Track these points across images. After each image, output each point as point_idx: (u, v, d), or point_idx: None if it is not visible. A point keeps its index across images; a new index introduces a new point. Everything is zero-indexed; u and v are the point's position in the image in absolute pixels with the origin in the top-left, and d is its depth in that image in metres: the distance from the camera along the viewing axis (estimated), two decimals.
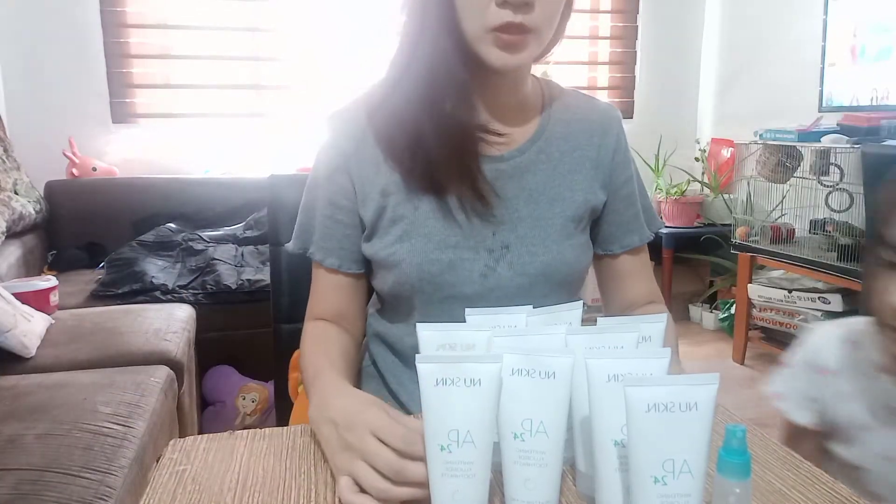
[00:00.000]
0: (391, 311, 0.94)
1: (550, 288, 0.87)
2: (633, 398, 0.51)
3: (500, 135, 0.86)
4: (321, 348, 0.85)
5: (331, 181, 0.88)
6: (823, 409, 0.89)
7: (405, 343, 0.92)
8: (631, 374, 0.54)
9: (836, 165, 2.54)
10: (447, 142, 0.81)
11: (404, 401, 0.91)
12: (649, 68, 3.61)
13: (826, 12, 2.69)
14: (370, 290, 0.96)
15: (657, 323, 0.67)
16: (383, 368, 0.95)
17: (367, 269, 0.92)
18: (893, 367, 0.80)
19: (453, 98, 0.81)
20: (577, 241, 0.90)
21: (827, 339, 0.90)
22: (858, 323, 0.87)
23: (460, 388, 0.55)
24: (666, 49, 3.62)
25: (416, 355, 0.56)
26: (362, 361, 1.00)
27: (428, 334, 0.65)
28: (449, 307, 0.84)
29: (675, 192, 3.36)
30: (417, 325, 0.65)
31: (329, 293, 0.92)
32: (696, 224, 3.38)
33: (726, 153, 3.39)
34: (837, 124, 2.54)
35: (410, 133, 0.82)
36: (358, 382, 0.92)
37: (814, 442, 0.91)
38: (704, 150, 3.48)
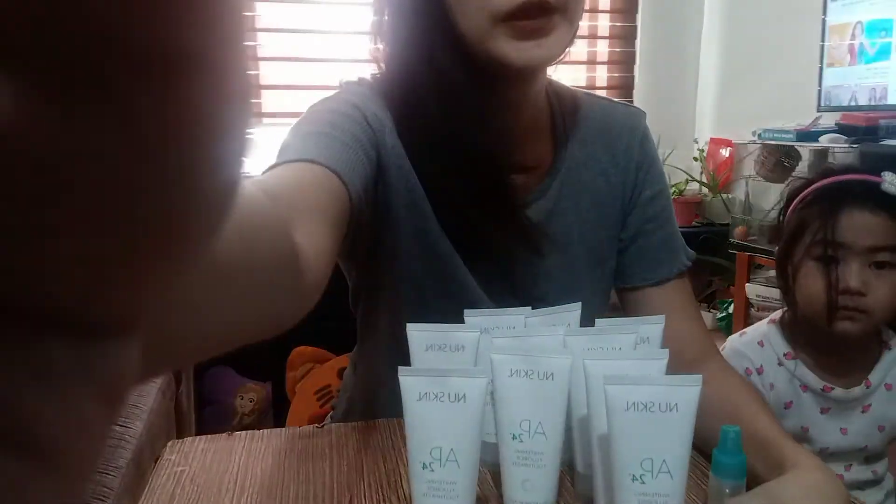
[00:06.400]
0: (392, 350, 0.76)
1: None
2: (613, 396, 0.51)
3: (526, 169, 0.68)
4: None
5: (348, 118, 0.62)
6: None
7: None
8: (628, 375, 0.54)
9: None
10: (474, 190, 0.64)
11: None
12: (648, 68, 3.61)
13: (826, 12, 2.69)
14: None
15: (656, 324, 0.67)
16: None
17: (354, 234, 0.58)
18: (810, 351, 0.96)
19: (470, 125, 0.63)
20: (598, 287, 0.77)
21: (744, 345, 1.00)
22: (759, 326, 1.01)
23: (444, 404, 0.53)
24: (665, 49, 3.62)
25: (400, 367, 0.54)
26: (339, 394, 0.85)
27: (417, 334, 0.64)
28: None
29: (674, 191, 3.36)
30: (408, 325, 0.64)
31: (301, 183, 0.51)
32: (694, 223, 3.38)
33: (725, 153, 3.39)
34: (836, 124, 2.54)
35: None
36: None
37: None
38: (703, 150, 3.48)
